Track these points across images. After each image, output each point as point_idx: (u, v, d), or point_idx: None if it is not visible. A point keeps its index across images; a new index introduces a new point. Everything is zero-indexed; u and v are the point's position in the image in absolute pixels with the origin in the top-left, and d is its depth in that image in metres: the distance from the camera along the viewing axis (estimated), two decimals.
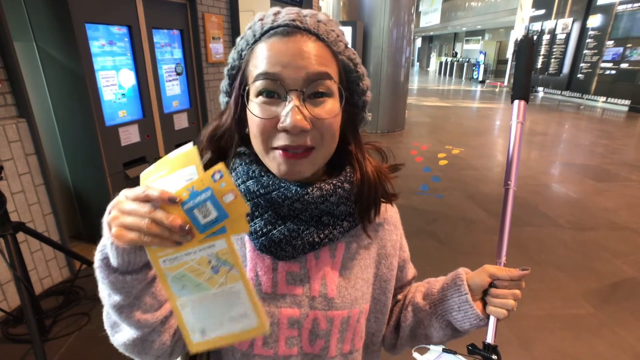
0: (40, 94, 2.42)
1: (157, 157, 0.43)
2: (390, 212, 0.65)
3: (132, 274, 0.41)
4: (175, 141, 3.28)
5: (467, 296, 0.58)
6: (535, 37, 13.05)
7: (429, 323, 0.64)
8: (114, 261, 0.40)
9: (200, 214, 0.37)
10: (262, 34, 0.49)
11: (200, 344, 0.41)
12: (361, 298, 0.59)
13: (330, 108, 0.49)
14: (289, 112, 0.46)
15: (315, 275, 0.56)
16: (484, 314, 0.58)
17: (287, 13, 0.49)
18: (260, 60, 0.48)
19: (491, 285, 0.58)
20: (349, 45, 0.53)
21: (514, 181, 0.63)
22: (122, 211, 0.36)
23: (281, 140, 0.48)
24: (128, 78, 2.77)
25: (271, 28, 0.48)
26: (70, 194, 2.71)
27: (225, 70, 0.55)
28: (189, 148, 0.37)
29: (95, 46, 2.45)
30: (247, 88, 0.50)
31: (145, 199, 0.36)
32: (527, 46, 0.69)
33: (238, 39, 0.53)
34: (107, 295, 0.43)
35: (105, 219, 0.39)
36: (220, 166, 0.36)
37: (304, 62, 0.46)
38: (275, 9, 0.51)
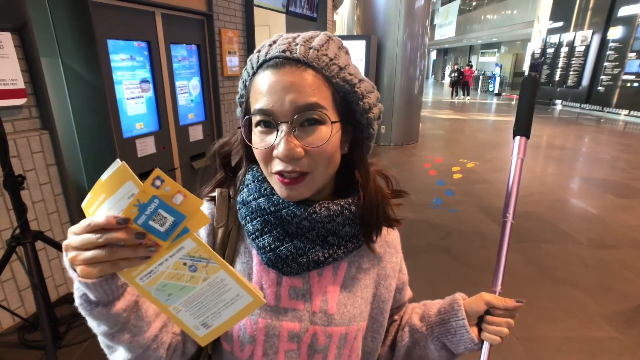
0: (62, 106, 2.52)
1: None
2: (392, 236, 0.67)
3: (114, 303, 0.42)
4: (190, 153, 3.34)
5: (464, 321, 0.62)
6: (552, 50, 12.89)
7: (424, 344, 0.67)
8: (92, 296, 0.41)
9: (156, 224, 0.36)
10: (258, 67, 0.52)
11: (207, 335, 0.43)
12: (359, 316, 0.60)
13: (322, 135, 0.50)
14: (280, 142, 0.49)
15: (317, 292, 0.58)
16: (479, 339, 0.62)
17: (280, 43, 0.51)
18: (257, 94, 0.51)
19: (487, 312, 0.62)
20: (352, 63, 0.53)
21: (512, 214, 0.66)
22: (78, 248, 0.36)
23: (277, 166, 0.51)
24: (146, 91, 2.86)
25: (264, 61, 0.51)
26: None
27: (237, 98, 0.59)
28: (118, 165, 0.35)
29: (115, 60, 2.55)
30: (249, 118, 0.54)
31: (93, 230, 0.35)
32: (531, 84, 0.70)
33: (244, 69, 0.57)
34: (95, 326, 0.45)
35: (66, 262, 0.38)
36: (156, 172, 0.35)
37: (292, 95, 0.48)
38: (274, 37, 0.53)
